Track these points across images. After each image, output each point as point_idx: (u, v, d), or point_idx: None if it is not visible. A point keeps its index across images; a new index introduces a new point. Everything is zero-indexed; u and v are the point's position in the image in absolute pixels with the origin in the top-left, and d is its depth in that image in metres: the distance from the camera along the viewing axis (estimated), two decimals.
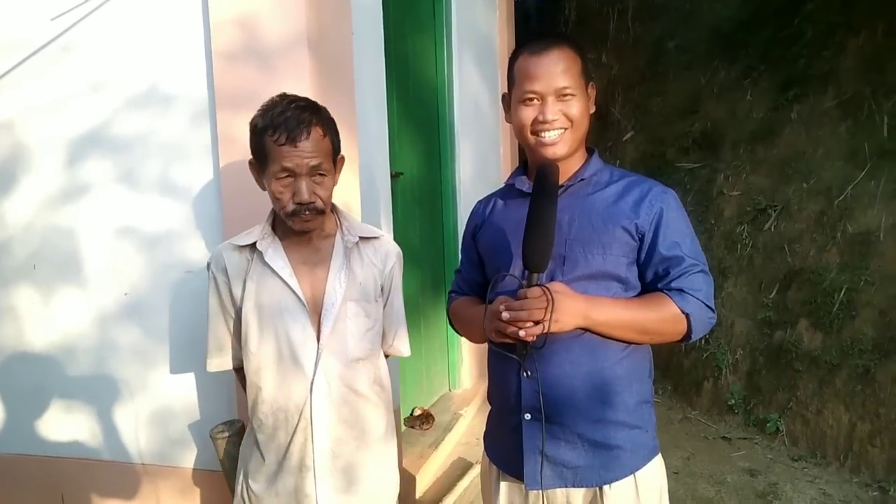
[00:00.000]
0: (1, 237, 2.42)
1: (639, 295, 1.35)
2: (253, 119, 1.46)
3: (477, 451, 3.20)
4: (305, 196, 1.40)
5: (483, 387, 3.83)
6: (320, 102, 1.96)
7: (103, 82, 2.23)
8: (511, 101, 1.40)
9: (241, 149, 2.03)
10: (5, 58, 2.31)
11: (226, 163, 2.06)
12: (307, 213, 1.42)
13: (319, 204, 1.43)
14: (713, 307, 1.32)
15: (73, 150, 2.29)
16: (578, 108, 1.32)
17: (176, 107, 2.16)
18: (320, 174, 1.43)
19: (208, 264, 1.58)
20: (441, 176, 3.56)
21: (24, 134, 2.34)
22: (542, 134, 1.33)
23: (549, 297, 1.21)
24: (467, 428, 3.47)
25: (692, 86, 4.85)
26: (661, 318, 1.29)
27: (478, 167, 3.94)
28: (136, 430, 2.35)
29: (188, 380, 2.26)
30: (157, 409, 2.31)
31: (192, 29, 2.11)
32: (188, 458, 2.30)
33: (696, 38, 5.02)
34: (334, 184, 1.51)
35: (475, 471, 2.95)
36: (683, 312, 1.28)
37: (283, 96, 1.46)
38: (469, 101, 3.77)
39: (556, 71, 1.30)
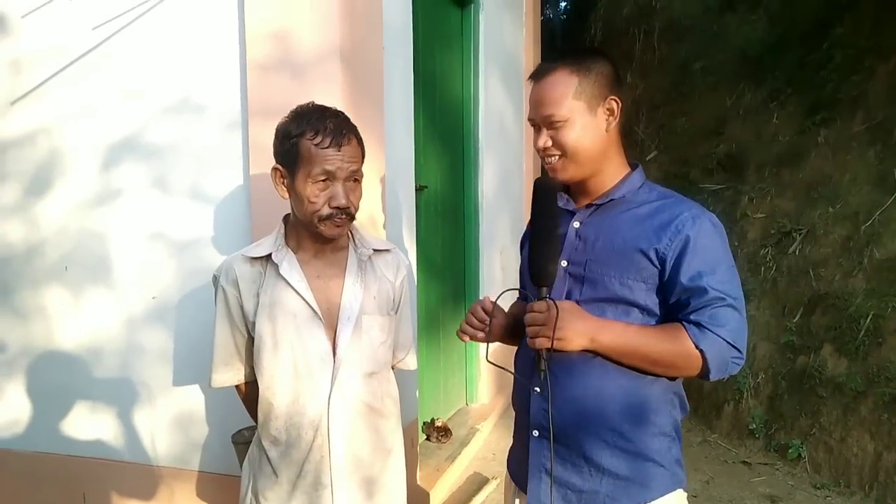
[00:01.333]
0: (34, 239, 2.48)
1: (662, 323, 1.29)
2: (283, 125, 1.43)
3: (493, 466, 3.18)
4: (343, 200, 1.38)
5: (501, 402, 3.83)
6: (350, 115, 2.01)
7: (140, 90, 2.29)
8: None
9: (271, 158, 2.07)
10: (47, 65, 2.39)
11: (256, 172, 2.10)
12: (342, 217, 1.40)
13: (353, 210, 1.43)
14: (739, 347, 1.21)
15: (107, 155, 2.35)
16: (573, 133, 1.28)
17: (209, 116, 2.22)
18: (355, 180, 1.43)
19: (215, 277, 1.53)
20: (464, 190, 3.58)
21: (61, 139, 2.41)
22: (544, 160, 1.33)
23: (554, 310, 1.19)
24: (484, 443, 3.45)
25: (718, 107, 4.84)
26: (673, 350, 1.22)
27: (501, 182, 3.96)
28: (158, 432, 2.38)
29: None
30: (179, 412, 2.34)
31: (228, 40, 2.16)
32: (209, 463, 2.32)
33: (723, 59, 5.01)
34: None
35: (490, 486, 2.94)
36: (698, 348, 1.20)
37: (315, 105, 1.46)
38: (494, 117, 3.80)
39: (545, 100, 1.28)
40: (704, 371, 1.22)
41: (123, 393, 2.40)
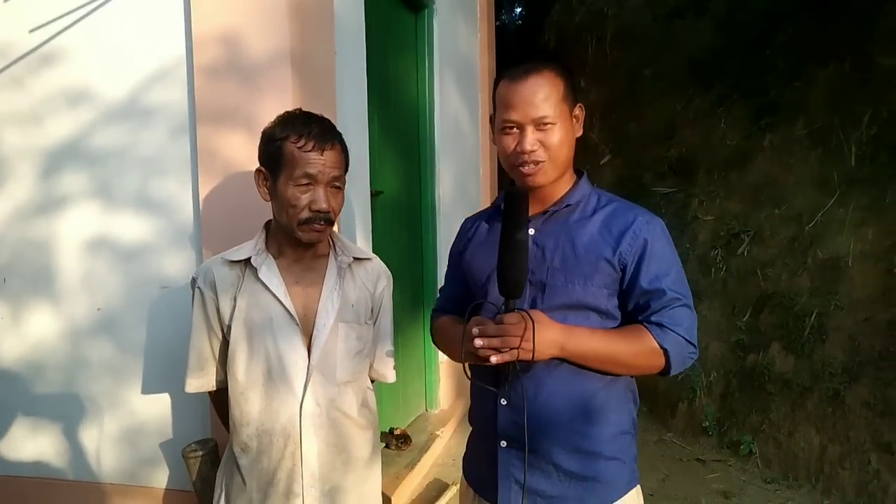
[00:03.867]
0: None
1: (619, 326, 1.32)
2: (268, 128, 1.45)
3: (453, 471, 3.17)
4: (324, 204, 1.39)
5: (460, 407, 3.82)
6: None
7: (82, 94, 2.21)
8: (495, 125, 1.37)
9: (220, 164, 2.03)
10: None
11: (205, 178, 2.05)
12: (321, 222, 1.41)
13: (333, 215, 1.44)
14: (694, 342, 1.29)
15: (48, 161, 2.26)
16: (559, 136, 1.28)
17: (155, 120, 2.15)
18: (336, 186, 1.44)
19: (193, 279, 1.53)
20: (421, 195, 3.57)
21: None
22: (523, 165, 1.30)
23: (528, 323, 1.18)
24: (444, 448, 3.44)
25: (668, 112, 4.95)
26: (639, 351, 1.27)
27: (458, 186, 3.96)
28: (105, 448, 2.29)
29: (161, 398, 2.22)
30: (127, 427, 2.26)
31: (174, 43, 2.11)
32: (159, 478, 2.25)
33: (672, 65, 5.14)
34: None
35: (451, 492, 2.93)
36: (662, 347, 1.25)
37: (302, 111, 1.48)
38: (450, 121, 3.80)
39: (535, 100, 1.26)
40: (666, 368, 1.28)
41: (67, 409, 2.30)
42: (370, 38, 2.68)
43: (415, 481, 3.03)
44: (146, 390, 2.23)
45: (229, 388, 1.48)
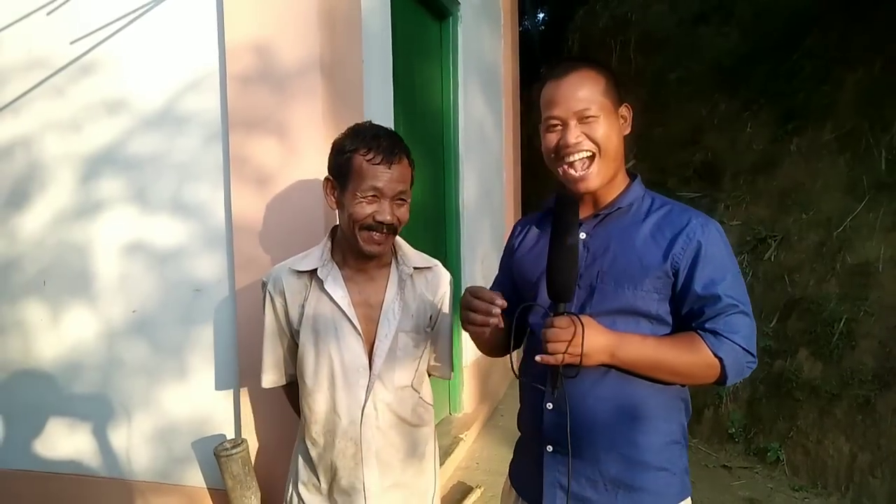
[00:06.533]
0: (12, 253, 2.46)
1: (672, 332, 1.28)
2: (339, 140, 1.50)
3: (477, 475, 3.19)
4: (388, 217, 1.44)
5: (484, 411, 3.84)
6: (331, 126, 2.03)
7: (120, 103, 2.28)
8: (541, 129, 1.35)
9: (252, 170, 2.08)
10: (25, 78, 2.38)
11: (237, 183, 2.11)
12: (382, 230, 1.46)
13: (397, 225, 1.48)
14: (753, 351, 1.23)
15: (86, 168, 2.34)
16: (604, 129, 1.26)
17: (189, 128, 2.22)
18: (402, 199, 1.49)
19: (264, 283, 1.60)
20: (445, 200, 3.61)
21: (40, 152, 2.39)
22: (568, 159, 1.28)
23: (578, 327, 1.16)
24: (467, 452, 3.46)
25: (693, 117, 4.93)
26: (693, 360, 1.22)
27: (482, 192, 3.99)
28: (140, 447, 2.35)
29: (194, 398, 2.27)
30: (161, 426, 2.32)
31: (208, 53, 2.17)
32: (192, 477, 2.30)
33: (697, 70, 5.12)
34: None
35: (475, 496, 2.95)
36: (717, 356, 1.20)
37: (371, 124, 1.52)
38: (474, 126, 3.83)
39: (576, 94, 1.26)
40: (722, 378, 1.23)
41: (103, 408, 2.37)
42: (396, 45, 2.73)
43: (438, 484, 3.05)
44: (179, 390, 2.29)
45: (300, 387, 1.58)
